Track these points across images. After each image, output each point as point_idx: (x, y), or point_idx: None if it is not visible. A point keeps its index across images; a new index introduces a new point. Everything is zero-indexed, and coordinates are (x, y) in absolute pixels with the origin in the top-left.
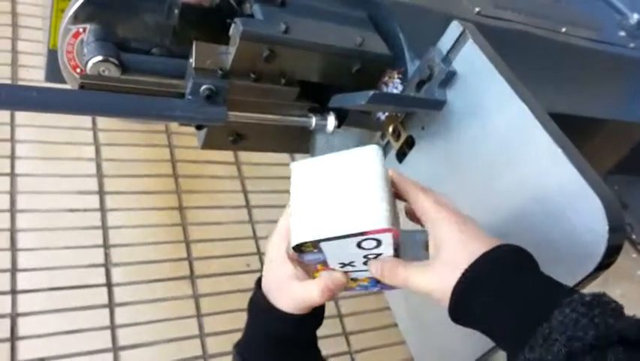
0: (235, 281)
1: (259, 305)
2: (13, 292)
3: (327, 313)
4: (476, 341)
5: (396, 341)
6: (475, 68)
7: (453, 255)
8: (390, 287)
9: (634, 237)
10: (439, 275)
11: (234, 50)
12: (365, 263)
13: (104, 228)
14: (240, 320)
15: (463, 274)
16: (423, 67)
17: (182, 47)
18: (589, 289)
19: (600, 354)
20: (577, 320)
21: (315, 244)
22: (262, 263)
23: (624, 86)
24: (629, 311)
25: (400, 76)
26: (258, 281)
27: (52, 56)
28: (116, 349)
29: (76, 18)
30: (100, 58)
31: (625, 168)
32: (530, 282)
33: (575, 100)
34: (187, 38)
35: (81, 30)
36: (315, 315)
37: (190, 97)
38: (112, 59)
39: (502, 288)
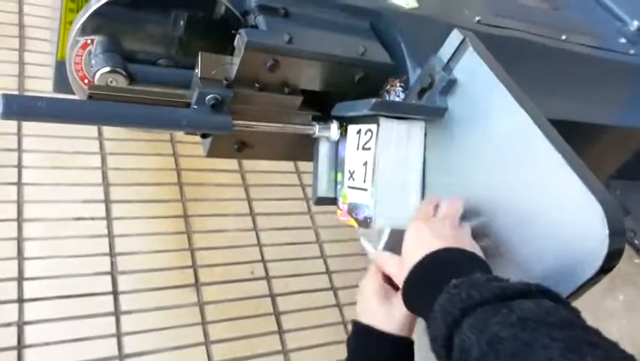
0: (239, 288)
1: (359, 333)
2: (20, 300)
3: (331, 320)
4: None
5: None
6: (475, 75)
7: (407, 258)
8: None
9: (637, 242)
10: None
11: (239, 60)
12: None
13: (110, 236)
14: (245, 327)
15: (410, 272)
16: (424, 75)
17: (188, 57)
18: (593, 293)
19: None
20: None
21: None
22: (266, 270)
23: (625, 92)
24: (632, 316)
25: (402, 84)
26: (354, 322)
27: (60, 67)
28: (122, 357)
29: (85, 30)
30: (108, 69)
31: (627, 174)
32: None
33: (575, 106)
34: (193, 49)
35: (89, 42)
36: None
37: (196, 106)
38: (119, 70)
39: (425, 285)
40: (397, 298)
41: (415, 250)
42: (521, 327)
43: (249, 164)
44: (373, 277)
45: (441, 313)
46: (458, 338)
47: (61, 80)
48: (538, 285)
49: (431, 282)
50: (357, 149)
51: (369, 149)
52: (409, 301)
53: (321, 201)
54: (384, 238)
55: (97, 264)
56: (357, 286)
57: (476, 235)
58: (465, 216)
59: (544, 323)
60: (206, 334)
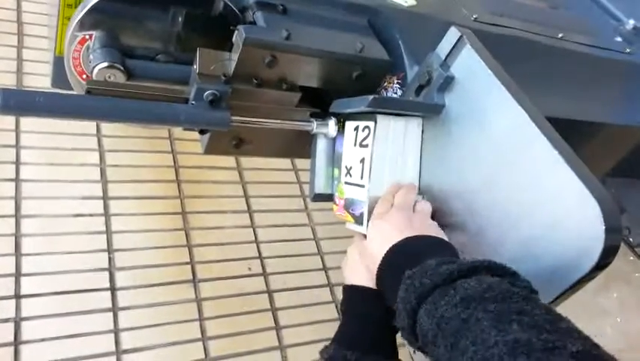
0: (237, 285)
1: (350, 294)
2: (17, 296)
3: (328, 316)
4: None
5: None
6: (472, 72)
7: (374, 257)
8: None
9: (632, 240)
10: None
11: (237, 56)
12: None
13: (108, 232)
14: (242, 324)
15: (377, 270)
16: (422, 72)
17: (187, 53)
18: (588, 290)
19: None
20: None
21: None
22: (263, 267)
23: (621, 90)
24: (627, 314)
25: (399, 81)
26: (345, 287)
27: (58, 62)
28: (119, 352)
29: (83, 25)
30: (106, 64)
31: (623, 171)
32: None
33: (572, 104)
34: (191, 45)
35: (87, 37)
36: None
37: (194, 102)
38: (117, 65)
39: (390, 280)
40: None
41: (378, 248)
42: (463, 306)
43: (246, 161)
44: (358, 242)
45: (401, 304)
46: (418, 325)
47: (59, 76)
48: (485, 261)
49: (393, 276)
50: (355, 145)
51: (366, 145)
52: (386, 298)
53: (318, 197)
54: (365, 214)
55: (95, 260)
56: None
57: (471, 231)
58: (455, 214)
59: (482, 299)
60: (203, 330)
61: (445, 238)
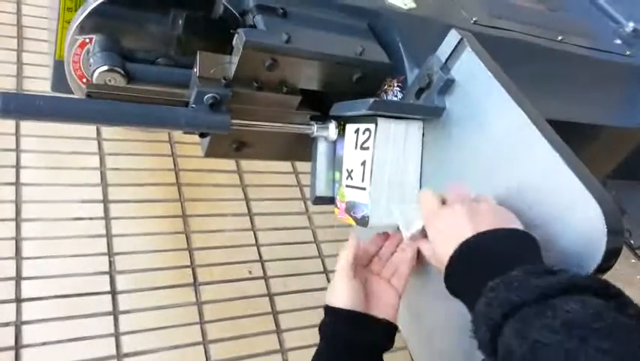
0: (237, 288)
1: (330, 315)
2: (18, 300)
3: None
4: (475, 344)
5: (396, 347)
6: (473, 75)
7: (438, 254)
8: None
9: (633, 242)
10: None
11: (237, 60)
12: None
13: (109, 236)
14: (243, 327)
15: (445, 268)
16: (422, 75)
17: (187, 56)
18: None
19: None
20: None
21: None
22: (264, 270)
23: (621, 92)
24: None
25: (400, 84)
26: (327, 307)
27: (58, 66)
28: (120, 356)
29: (83, 29)
30: (106, 68)
31: (623, 174)
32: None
33: (572, 107)
34: (191, 48)
35: (87, 40)
36: (381, 326)
37: (194, 105)
38: (118, 69)
39: (463, 280)
40: (338, 274)
41: (444, 248)
42: (566, 333)
43: (246, 164)
44: (342, 264)
45: (482, 318)
46: (501, 341)
47: (60, 80)
48: (586, 279)
49: (466, 280)
50: (356, 148)
51: (367, 148)
52: (462, 301)
53: (319, 200)
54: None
55: (95, 264)
56: None
57: None
58: None
59: (591, 330)
60: (204, 333)
61: (521, 227)
